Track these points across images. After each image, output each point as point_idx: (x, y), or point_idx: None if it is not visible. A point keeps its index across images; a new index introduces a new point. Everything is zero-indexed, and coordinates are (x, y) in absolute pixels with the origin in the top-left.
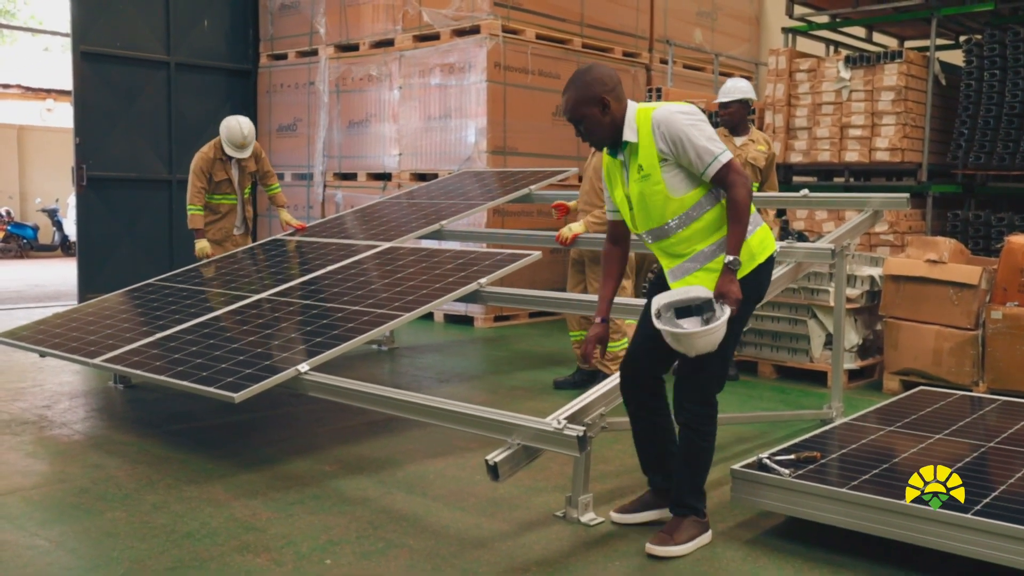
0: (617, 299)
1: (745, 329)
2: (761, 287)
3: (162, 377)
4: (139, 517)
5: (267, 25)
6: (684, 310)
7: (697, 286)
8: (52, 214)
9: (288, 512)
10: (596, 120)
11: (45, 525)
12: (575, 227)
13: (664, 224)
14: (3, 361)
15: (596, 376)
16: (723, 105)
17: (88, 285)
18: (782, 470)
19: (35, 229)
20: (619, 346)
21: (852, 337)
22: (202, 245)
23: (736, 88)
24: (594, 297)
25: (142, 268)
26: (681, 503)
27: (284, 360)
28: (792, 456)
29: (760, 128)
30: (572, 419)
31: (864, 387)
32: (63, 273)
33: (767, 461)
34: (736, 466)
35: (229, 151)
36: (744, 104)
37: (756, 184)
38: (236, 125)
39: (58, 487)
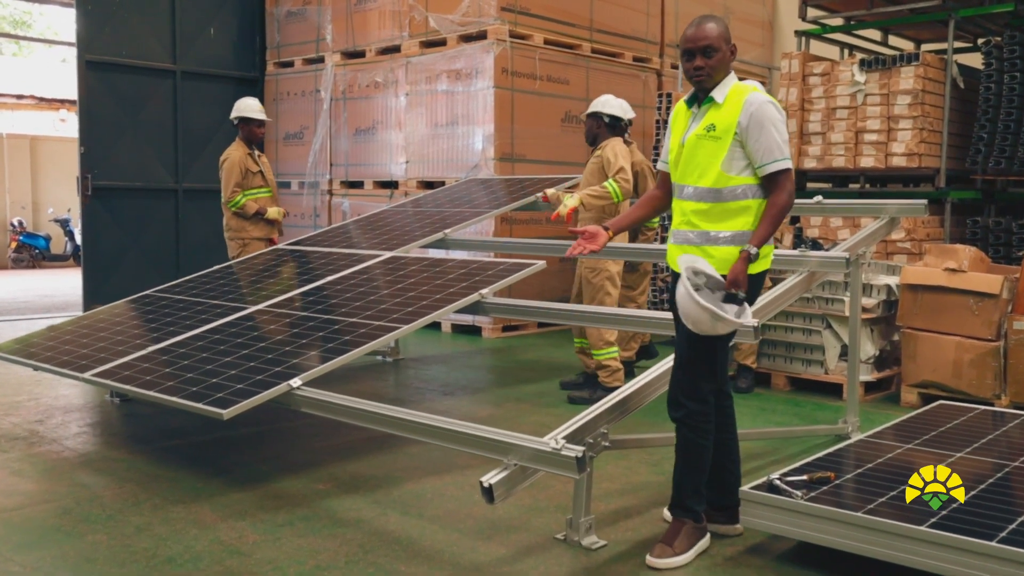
0: (623, 311)
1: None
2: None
3: (151, 392)
4: (120, 540)
5: (274, 33)
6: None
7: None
8: (64, 224)
9: (276, 535)
10: (723, 59)
11: (21, 549)
12: (570, 201)
13: (695, 185)
14: (1, 374)
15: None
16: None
17: (94, 296)
18: (794, 492)
19: (47, 239)
20: (604, 354)
21: (868, 348)
22: (276, 210)
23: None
24: (595, 308)
25: (148, 278)
26: (681, 505)
27: (277, 375)
28: (804, 477)
29: None
30: (571, 438)
31: (881, 400)
32: (73, 283)
33: (778, 482)
34: (745, 487)
35: (258, 116)
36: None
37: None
38: (245, 99)
39: (41, 507)
